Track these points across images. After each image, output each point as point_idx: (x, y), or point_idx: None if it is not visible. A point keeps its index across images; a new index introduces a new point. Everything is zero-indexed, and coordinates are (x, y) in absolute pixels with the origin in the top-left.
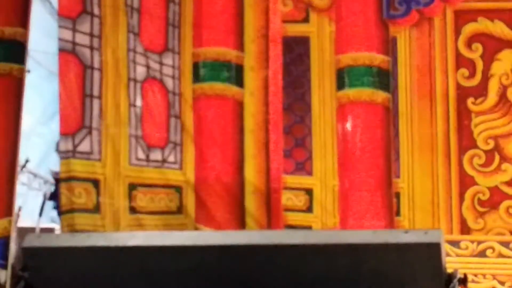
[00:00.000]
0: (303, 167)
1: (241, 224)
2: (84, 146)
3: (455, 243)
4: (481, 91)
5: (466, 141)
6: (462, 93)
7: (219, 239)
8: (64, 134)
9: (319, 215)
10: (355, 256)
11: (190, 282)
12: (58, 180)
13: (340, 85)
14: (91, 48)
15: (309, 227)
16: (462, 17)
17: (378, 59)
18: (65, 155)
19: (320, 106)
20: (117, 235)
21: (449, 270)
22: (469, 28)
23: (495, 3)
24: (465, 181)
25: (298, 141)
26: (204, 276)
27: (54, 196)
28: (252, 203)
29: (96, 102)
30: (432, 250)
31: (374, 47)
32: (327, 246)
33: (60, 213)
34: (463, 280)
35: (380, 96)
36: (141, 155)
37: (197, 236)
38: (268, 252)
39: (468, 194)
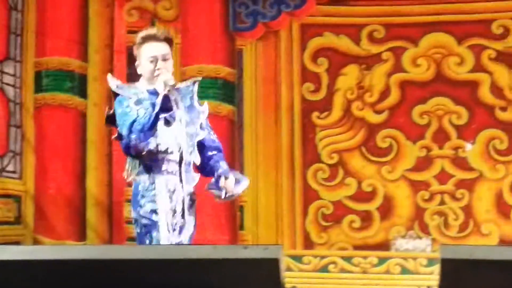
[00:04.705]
0: None
1: (82, 236)
2: None
3: (298, 258)
4: (326, 105)
5: (311, 155)
6: (307, 107)
7: (56, 254)
8: None
9: None
10: (195, 271)
11: None
12: None
13: None
14: None
15: None
16: (308, 31)
17: (224, 71)
18: None
19: None
20: None
21: (288, 286)
22: (315, 42)
23: (341, 18)
24: (309, 195)
25: None
26: None
27: None
28: (93, 216)
29: None
30: (272, 266)
31: (220, 59)
32: (166, 261)
33: None
34: None
35: (225, 108)
36: None
37: (32, 250)
38: (107, 266)
39: (312, 208)
